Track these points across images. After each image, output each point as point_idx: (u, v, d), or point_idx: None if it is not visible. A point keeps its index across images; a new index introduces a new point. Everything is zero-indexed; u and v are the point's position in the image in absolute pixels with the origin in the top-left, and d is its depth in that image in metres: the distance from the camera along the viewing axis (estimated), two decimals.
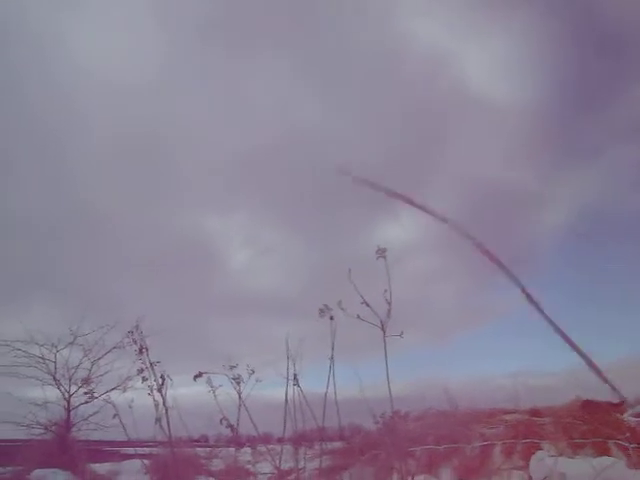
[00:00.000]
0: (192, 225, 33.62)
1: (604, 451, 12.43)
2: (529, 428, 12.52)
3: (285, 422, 4.68)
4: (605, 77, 33.47)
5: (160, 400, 3.91)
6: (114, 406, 4.38)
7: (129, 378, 10.78)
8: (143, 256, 29.24)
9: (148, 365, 3.82)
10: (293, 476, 4.78)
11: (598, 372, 1.20)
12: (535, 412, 13.74)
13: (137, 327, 4.05)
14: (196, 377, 3.85)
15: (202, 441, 18.72)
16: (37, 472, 13.57)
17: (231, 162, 33.76)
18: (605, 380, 1.25)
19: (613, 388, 1.25)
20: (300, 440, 5.07)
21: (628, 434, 13.30)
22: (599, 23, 29.73)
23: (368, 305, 3.98)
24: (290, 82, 33.21)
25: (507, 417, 13.62)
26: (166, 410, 4.03)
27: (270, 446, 4.85)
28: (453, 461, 12.54)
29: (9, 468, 14.05)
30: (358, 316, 3.95)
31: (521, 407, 13.92)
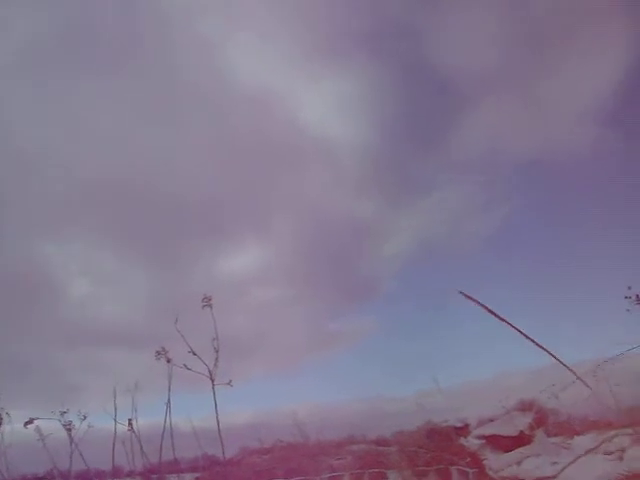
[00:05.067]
0: (28, 255, 31.69)
1: (446, 477, 13.91)
2: (375, 458, 13.55)
3: (127, 456, 5.08)
4: (435, 114, 37.45)
5: None
6: None
7: None
8: None
9: None
10: None
11: None
12: (382, 441, 14.89)
13: None
14: (27, 424, 4.02)
15: (48, 478, 17.47)
16: None
17: (69, 193, 32.87)
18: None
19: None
20: (150, 473, 5.41)
21: (469, 459, 15.01)
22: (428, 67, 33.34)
23: (195, 354, 4.51)
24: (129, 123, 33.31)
25: (354, 447, 14.45)
26: None
27: None
28: None
29: None
30: (185, 366, 4.38)
31: (368, 436, 15.03)
